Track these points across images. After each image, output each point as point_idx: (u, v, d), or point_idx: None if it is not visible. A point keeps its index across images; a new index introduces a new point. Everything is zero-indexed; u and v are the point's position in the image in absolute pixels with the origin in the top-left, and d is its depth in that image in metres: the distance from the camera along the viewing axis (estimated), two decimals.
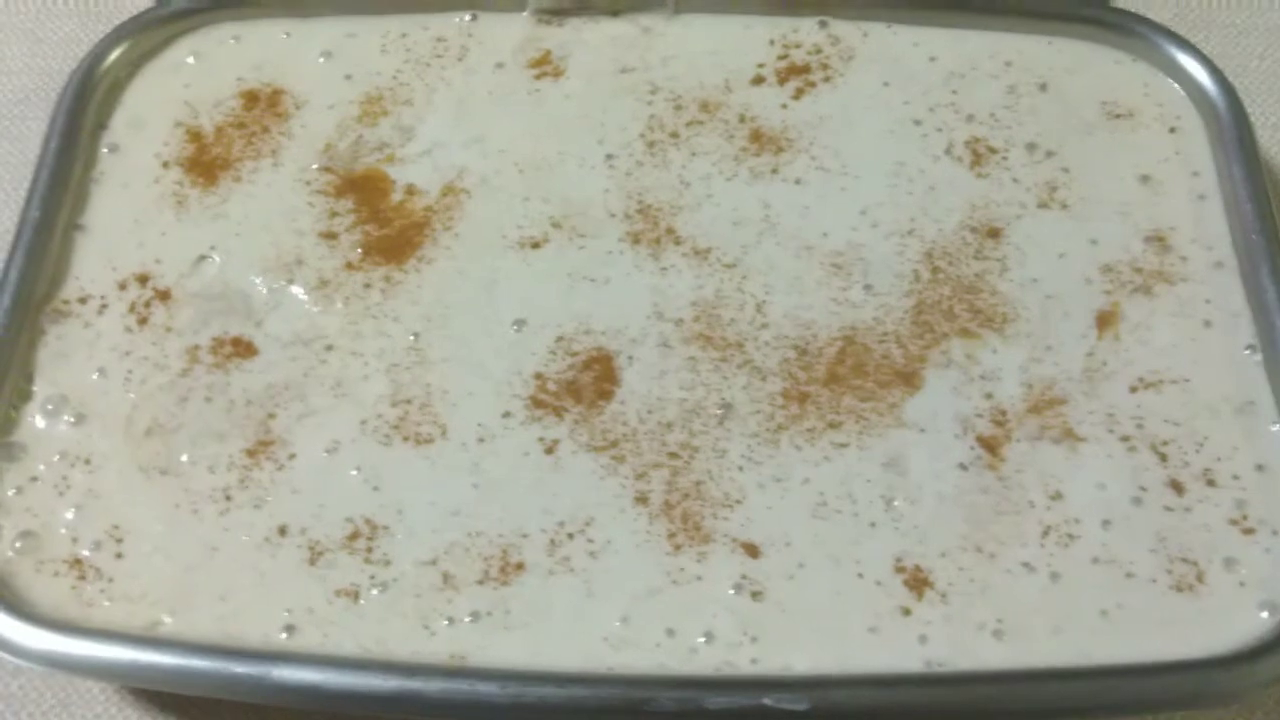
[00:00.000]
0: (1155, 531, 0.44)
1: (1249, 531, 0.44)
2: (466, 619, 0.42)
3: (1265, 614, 0.42)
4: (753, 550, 0.44)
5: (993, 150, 0.52)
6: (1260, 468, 0.45)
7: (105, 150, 0.52)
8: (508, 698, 0.40)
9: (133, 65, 0.55)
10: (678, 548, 0.44)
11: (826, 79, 0.54)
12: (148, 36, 0.55)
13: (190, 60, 0.55)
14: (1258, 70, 0.61)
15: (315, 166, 0.52)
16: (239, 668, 0.40)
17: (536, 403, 0.46)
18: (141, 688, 0.43)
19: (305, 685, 0.40)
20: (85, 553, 0.43)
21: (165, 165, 0.52)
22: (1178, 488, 0.45)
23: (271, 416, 0.46)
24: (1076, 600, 0.43)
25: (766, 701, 0.39)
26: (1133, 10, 0.57)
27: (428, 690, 0.40)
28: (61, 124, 0.52)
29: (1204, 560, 0.43)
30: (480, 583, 0.43)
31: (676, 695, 0.40)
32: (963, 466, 0.45)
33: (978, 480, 0.45)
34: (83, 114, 0.52)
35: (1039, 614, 0.42)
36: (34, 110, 0.59)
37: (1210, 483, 0.45)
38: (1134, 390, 0.47)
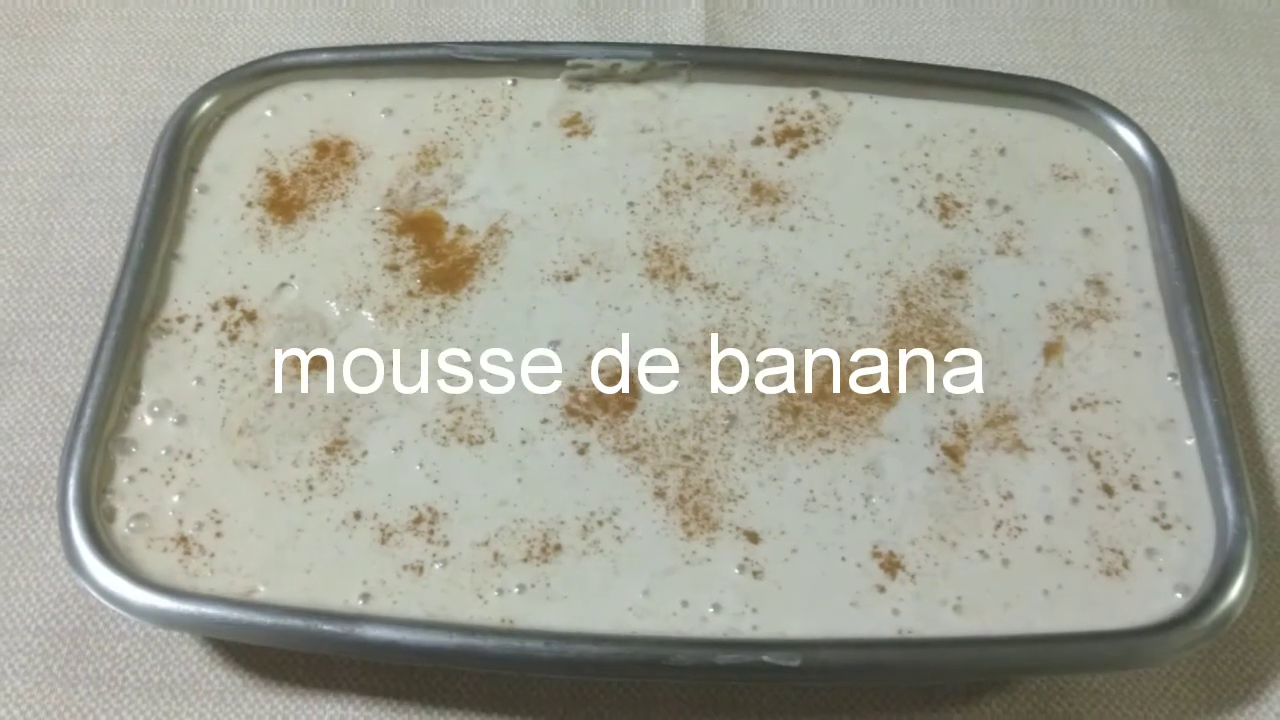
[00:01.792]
0: (1089, 526, 0.49)
1: (1167, 527, 0.49)
2: (514, 590, 0.48)
3: (1179, 595, 0.48)
4: (753, 537, 0.49)
5: (958, 205, 0.58)
6: (1178, 475, 0.50)
7: (197, 191, 0.57)
8: (551, 653, 0.45)
9: (219, 117, 0.59)
10: (690, 534, 0.49)
11: (817, 141, 0.59)
12: (232, 92, 0.59)
13: (269, 114, 0.60)
14: (1188, 139, 0.66)
15: (379, 208, 0.57)
16: (327, 626, 0.45)
17: (570, 411, 0.52)
18: (241, 642, 0.49)
19: (383, 641, 0.45)
20: (190, 532, 0.49)
21: (249, 204, 0.57)
22: (1109, 490, 0.50)
23: (345, 420, 0.51)
24: (1023, 581, 0.48)
25: (766, 659, 0.45)
26: (1080, 86, 0.61)
27: (485, 646, 0.45)
28: (159, 168, 0.56)
29: (1129, 550, 0.49)
30: (525, 561, 0.48)
31: (692, 653, 0.45)
32: (930, 470, 0.51)
33: (942, 482, 0.50)
34: (177, 159, 0.57)
35: (992, 592, 0.48)
36: (121, 154, 0.64)
37: (1136, 487, 0.50)
38: (1074, 409, 0.52)
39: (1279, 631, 0.53)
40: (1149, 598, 0.48)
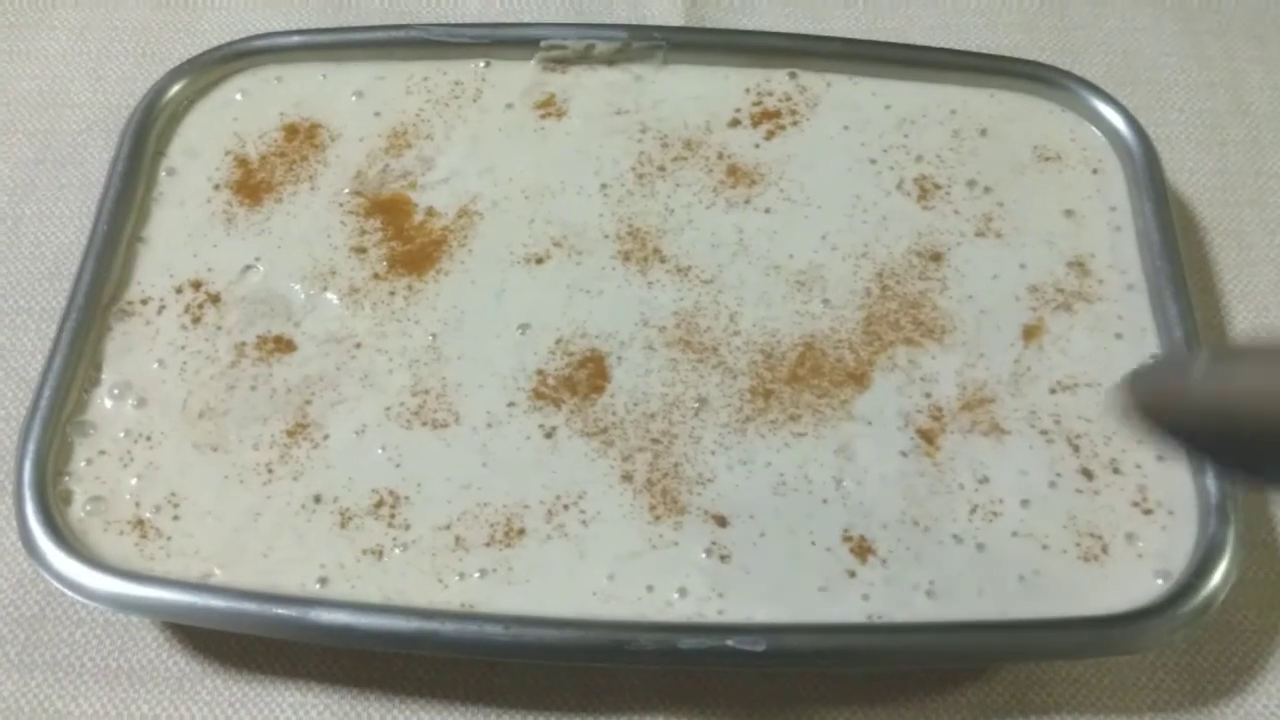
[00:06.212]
0: (1067, 510, 0.48)
1: (1148, 512, 0.48)
2: (475, 575, 0.47)
3: (1160, 581, 0.46)
4: (721, 521, 0.48)
5: (937, 186, 0.57)
6: (1160, 458, 0.49)
7: (164, 174, 0.57)
8: (510, 637, 0.44)
9: (188, 100, 0.59)
10: (657, 518, 0.48)
11: (794, 123, 0.59)
12: (202, 76, 0.59)
13: (238, 97, 0.59)
14: (1177, 121, 0.65)
15: (347, 191, 0.57)
16: (281, 610, 0.45)
17: (538, 395, 0.51)
18: (197, 626, 0.48)
19: (338, 625, 0.44)
20: (147, 515, 0.48)
21: (216, 188, 0.57)
22: (1088, 474, 0.49)
23: (308, 403, 0.51)
24: (998, 567, 0.47)
25: (730, 643, 0.44)
26: (1068, 69, 0.60)
27: (442, 631, 0.44)
28: (126, 150, 0.56)
29: (1109, 535, 0.48)
30: (487, 545, 0.47)
31: (654, 637, 0.44)
32: (903, 454, 0.50)
33: (916, 465, 0.49)
34: (145, 142, 0.57)
35: (966, 578, 0.47)
36: (95, 140, 0.63)
37: (1116, 470, 0.49)
38: (1053, 392, 0.51)
39: (1266, 622, 0.51)
40: (1128, 584, 0.47)
